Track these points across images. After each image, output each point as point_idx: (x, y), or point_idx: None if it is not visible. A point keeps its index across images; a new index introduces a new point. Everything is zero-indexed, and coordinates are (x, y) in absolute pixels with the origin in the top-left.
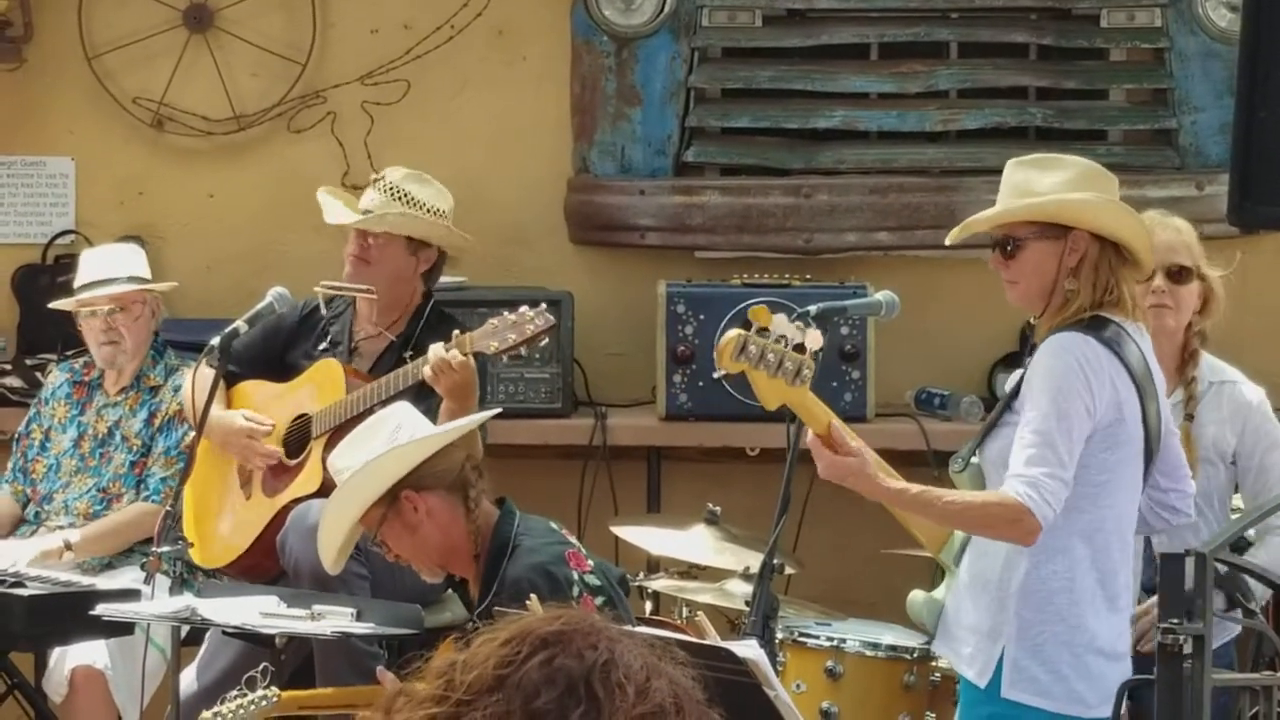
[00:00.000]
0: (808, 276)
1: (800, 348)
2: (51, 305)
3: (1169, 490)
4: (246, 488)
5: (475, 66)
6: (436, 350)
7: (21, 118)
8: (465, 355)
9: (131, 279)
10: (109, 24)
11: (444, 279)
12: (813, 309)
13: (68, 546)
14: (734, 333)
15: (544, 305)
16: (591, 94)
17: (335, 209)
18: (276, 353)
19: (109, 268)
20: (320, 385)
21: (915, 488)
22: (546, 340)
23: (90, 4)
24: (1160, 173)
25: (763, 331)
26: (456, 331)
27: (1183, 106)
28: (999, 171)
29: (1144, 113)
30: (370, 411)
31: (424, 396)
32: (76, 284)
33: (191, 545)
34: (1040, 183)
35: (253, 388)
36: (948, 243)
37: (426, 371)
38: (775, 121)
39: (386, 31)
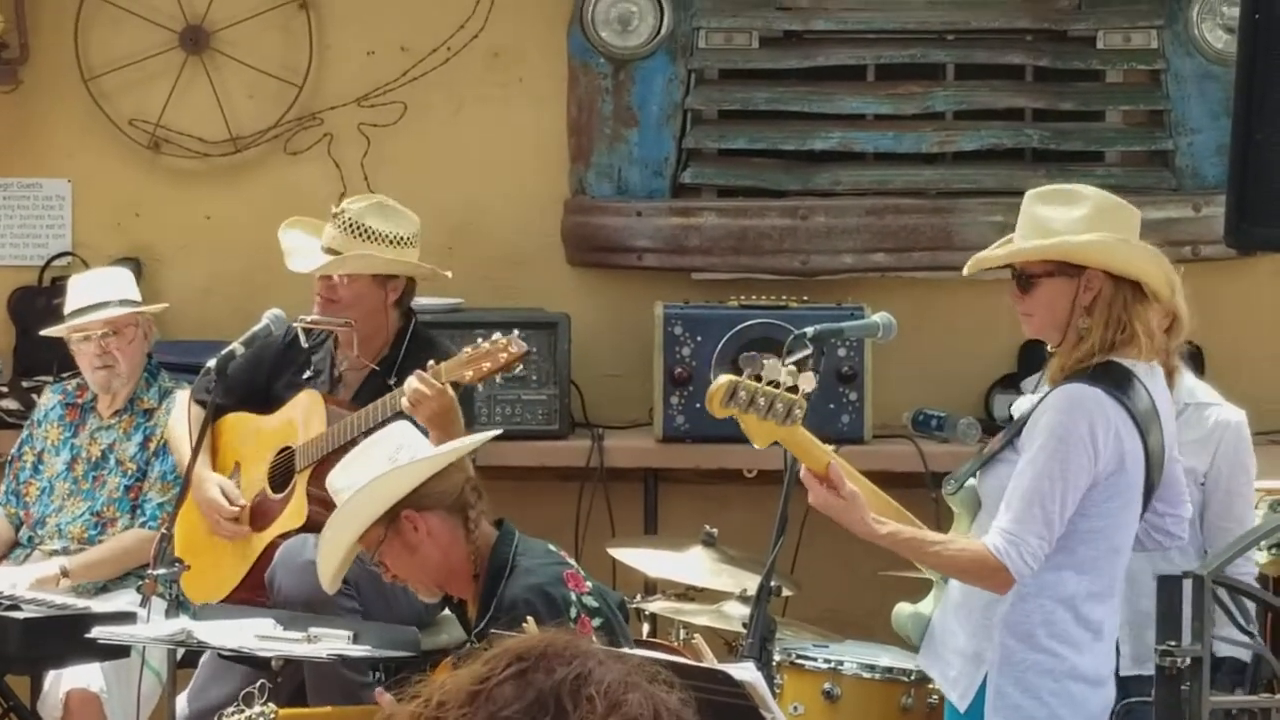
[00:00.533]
0: (805, 298)
1: (793, 389)
2: (43, 333)
3: (1165, 515)
4: None
5: (472, 88)
6: (412, 382)
7: (18, 139)
8: (441, 384)
9: (124, 302)
10: (105, 46)
11: (439, 301)
12: (809, 331)
13: (64, 573)
14: (724, 379)
15: (517, 332)
16: (588, 116)
17: (297, 253)
18: (261, 383)
19: (100, 292)
20: (302, 418)
21: (905, 533)
22: (520, 367)
23: (87, 26)
24: (1157, 194)
25: (755, 376)
26: (432, 362)
27: (1179, 128)
28: (996, 193)
29: (1140, 134)
30: (354, 443)
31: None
32: (67, 310)
33: (188, 567)
34: (1056, 220)
35: (236, 420)
36: (965, 274)
37: (404, 403)
38: (772, 143)
39: (383, 53)
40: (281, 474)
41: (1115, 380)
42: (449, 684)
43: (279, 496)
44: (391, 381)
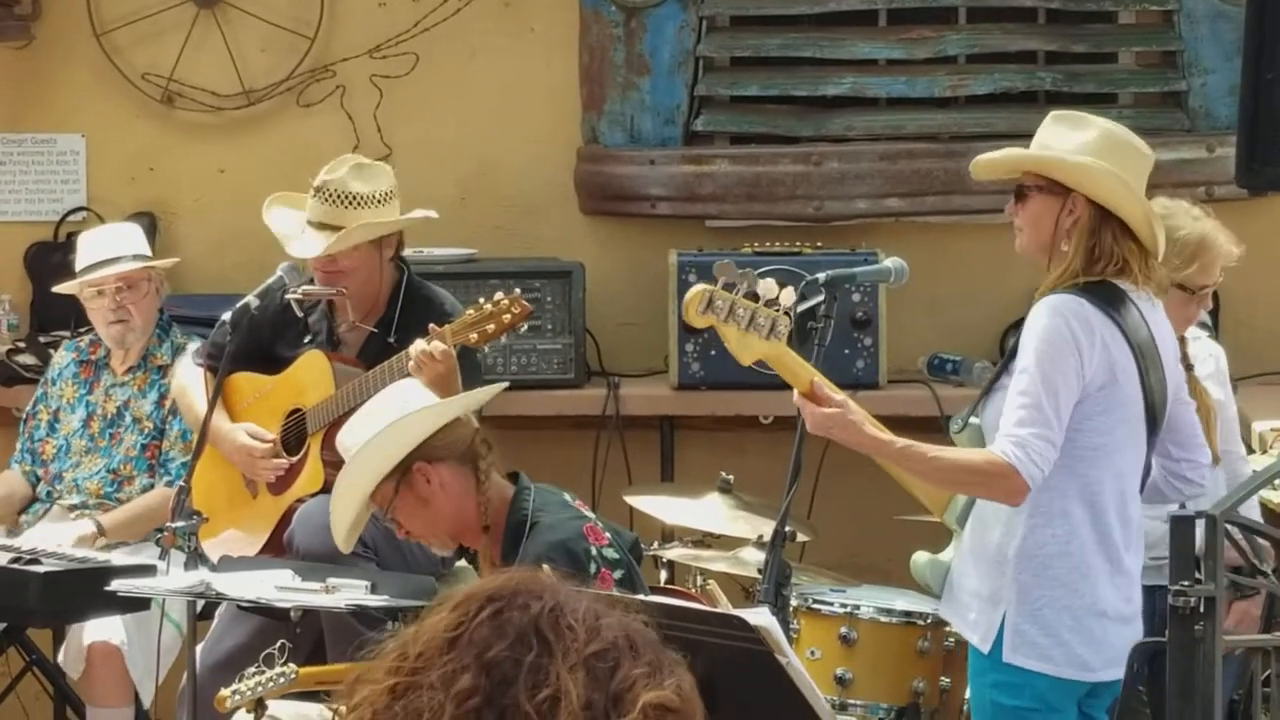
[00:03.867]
0: (818, 244)
1: (773, 303)
2: (56, 289)
3: (1181, 460)
4: (252, 485)
5: (483, 38)
6: (419, 345)
7: (31, 95)
8: (447, 346)
9: (136, 257)
10: (117, 1)
11: (453, 251)
12: (821, 276)
13: (101, 531)
14: (699, 287)
15: (518, 291)
16: (600, 64)
17: (291, 236)
18: (263, 346)
19: (112, 247)
20: (309, 379)
21: (902, 441)
22: (524, 326)
23: None
24: (1170, 135)
25: (730, 286)
26: (433, 326)
27: (1192, 69)
28: (1009, 136)
29: (1153, 75)
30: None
31: None
32: (79, 266)
33: (206, 519)
34: (1061, 140)
35: (243, 381)
36: (974, 177)
37: (410, 366)
38: (784, 89)
39: (394, 4)
40: (294, 437)
41: (1103, 294)
42: (422, 635)
43: (294, 460)
44: (391, 339)
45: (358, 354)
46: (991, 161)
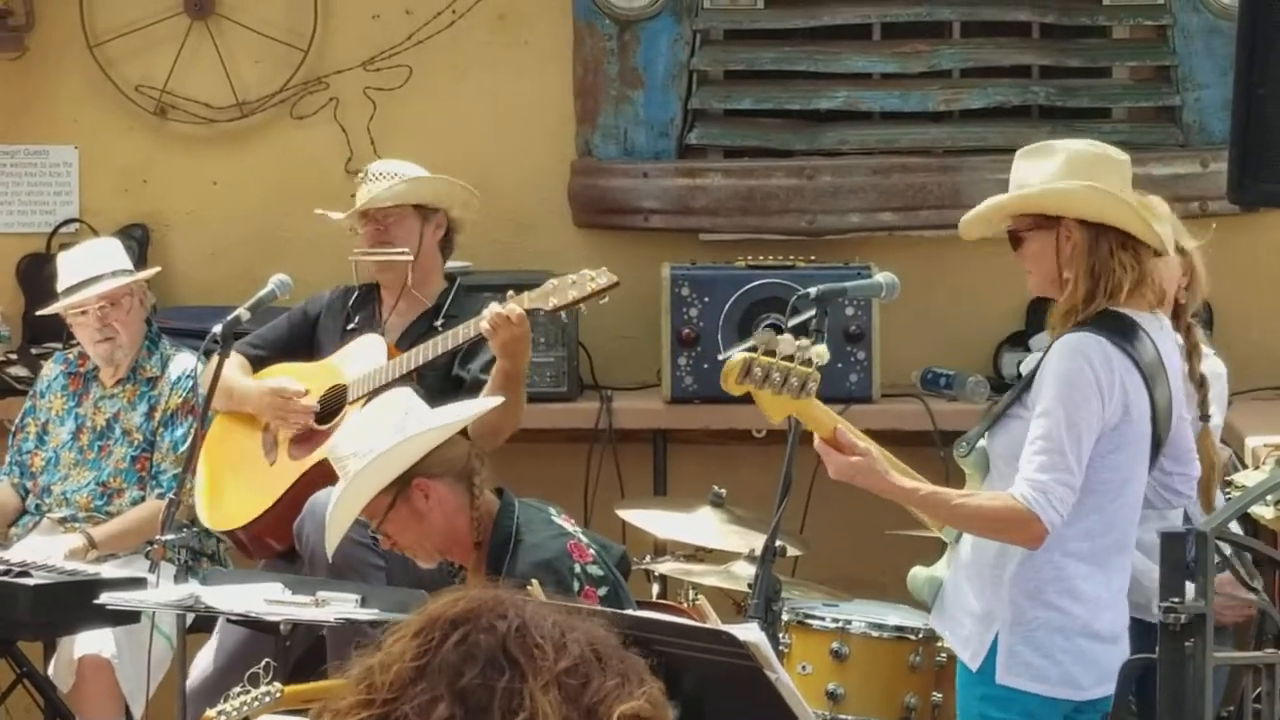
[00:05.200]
0: (812, 258)
1: (807, 361)
2: (40, 312)
3: (1174, 474)
4: (271, 454)
5: (477, 51)
6: (494, 306)
7: (24, 107)
8: (522, 310)
9: (117, 273)
10: (111, 12)
11: (448, 264)
12: (813, 291)
13: (92, 544)
14: (740, 356)
15: (604, 267)
16: (594, 77)
17: (339, 213)
18: (303, 341)
19: (92, 266)
20: (359, 356)
21: (926, 487)
22: (606, 299)
23: None
24: (1164, 150)
25: (769, 352)
26: (511, 292)
27: (1186, 83)
28: (1003, 150)
29: (1147, 90)
30: (408, 377)
31: (474, 355)
32: (60, 287)
33: (197, 533)
34: (1033, 174)
35: (280, 369)
36: (964, 237)
37: (484, 326)
38: (778, 103)
39: (388, 17)
40: (331, 407)
41: (1118, 329)
42: (389, 664)
43: (324, 428)
44: (438, 323)
45: (398, 340)
46: (977, 216)
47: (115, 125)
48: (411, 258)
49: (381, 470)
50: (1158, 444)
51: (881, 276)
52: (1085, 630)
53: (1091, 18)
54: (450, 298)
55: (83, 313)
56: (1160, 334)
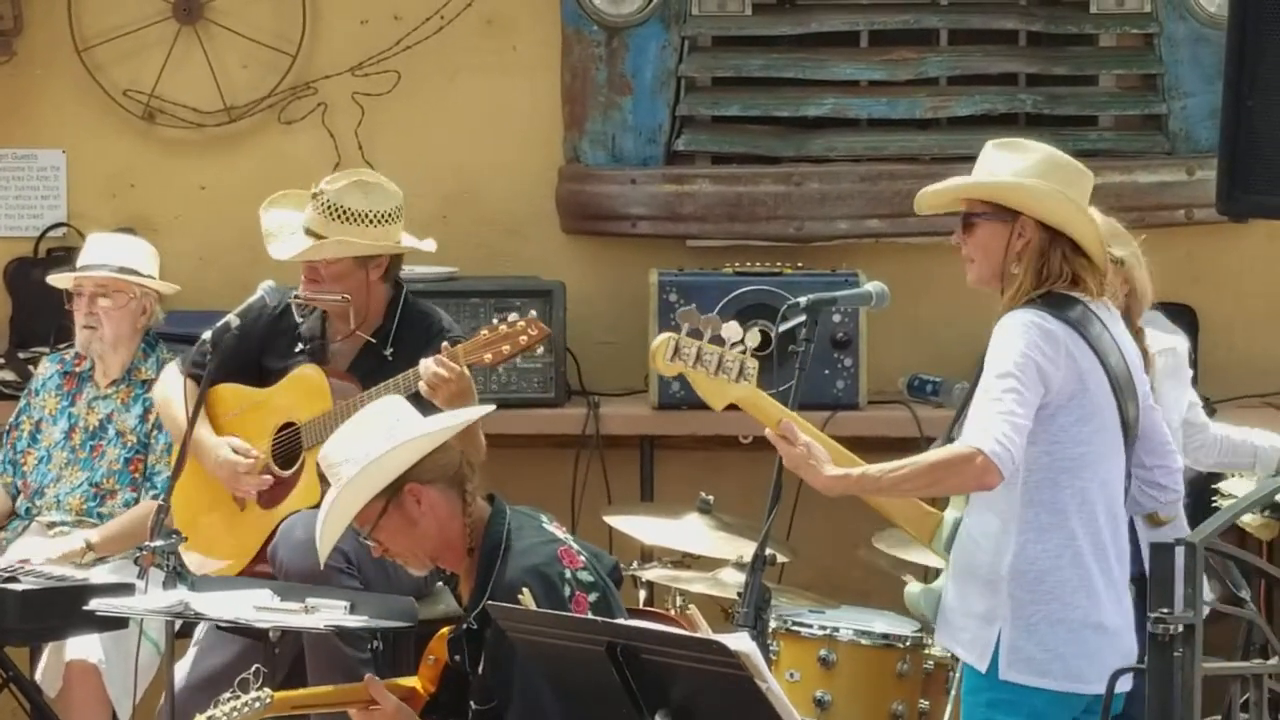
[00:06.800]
0: (799, 264)
1: (738, 345)
2: (49, 279)
3: (1154, 468)
4: (240, 499)
5: (465, 57)
6: (429, 365)
7: (12, 110)
8: (460, 367)
9: (122, 269)
10: (99, 16)
11: (433, 269)
12: (802, 300)
13: (89, 547)
14: (663, 336)
15: (534, 313)
16: (582, 83)
17: (278, 236)
18: (252, 355)
19: (104, 254)
20: (303, 393)
21: (857, 470)
22: (541, 349)
23: None
24: (1150, 158)
25: (694, 332)
26: (446, 344)
27: (1173, 92)
28: None
29: (1134, 98)
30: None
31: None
32: (78, 264)
33: (185, 539)
34: (1003, 166)
35: (230, 393)
36: (918, 211)
37: (422, 387)
38: (766, 110)
39: (376, 22)
40: (286, 451)
41: (1058, 304)
42: None
43: (287, 474)
44: (387, 352)
45: (349, 366)
46: (936, 192)
47: (103, 129)
48: (346, 301)
49: (374, 477)
50: (1127, 428)
51: (871, 286)
52: (1087, 621)
53: (1078, 26)
54: (398, 318)
55: (80, 294)
56: (1110, 318)
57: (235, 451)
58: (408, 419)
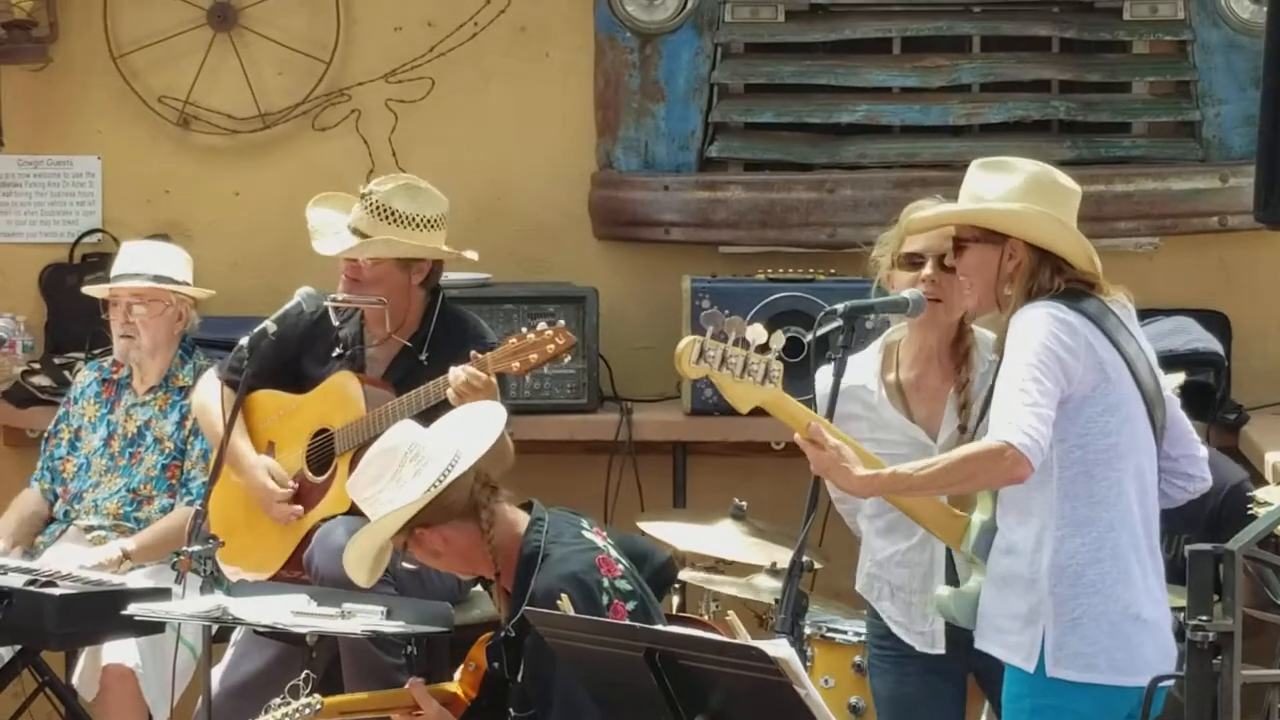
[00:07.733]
0: (832, 271)
1: (764, 349)
2: (84, 289)
3: (1179, 458)
4: None
5: (498, 63)
6: (457, 374)
7: (48, 117)
8: (489, 377)
9: (157, 278)
10: (134, 24)
11: (466, 276)
12: (840, 307)
13: (126, 555)
14: (689, 338)
15: (562, 322)
16: (615, 90)
17: (323, 233)
18: (290, 361)
19: (138, 263)
20: (338, 400)
21: (886, 471)
22: (569, 357)
23: (115, 4)
24: (1184, 165)
25: (720, 335)
26: (475, 353)
27: (1206, 98)
28: None
29: (1167, 105)
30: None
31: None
32: (112, 273)
33: (223, 544)
34: (989, 189)
35: (267, 399)
36: (909, 233)
37: (450, 394)
38: (798, 116)
39: (410, 29)
40: (320, 456)
41: (1074, 298)
42: None
43: (320, 480)
44: (423, 357)
45: (385, 372)
46: (925, 220)
47: (138, 136)
48: (382, 305)
49: (382, 533)
50: (1152, 416)
51: (908, 292)
52: (1127, 613)
53: (1112, 33)
54: (434, 323)
55: (114, 304)
56: (1125, 314)
57: (272, 476)
58: (428, 450)
